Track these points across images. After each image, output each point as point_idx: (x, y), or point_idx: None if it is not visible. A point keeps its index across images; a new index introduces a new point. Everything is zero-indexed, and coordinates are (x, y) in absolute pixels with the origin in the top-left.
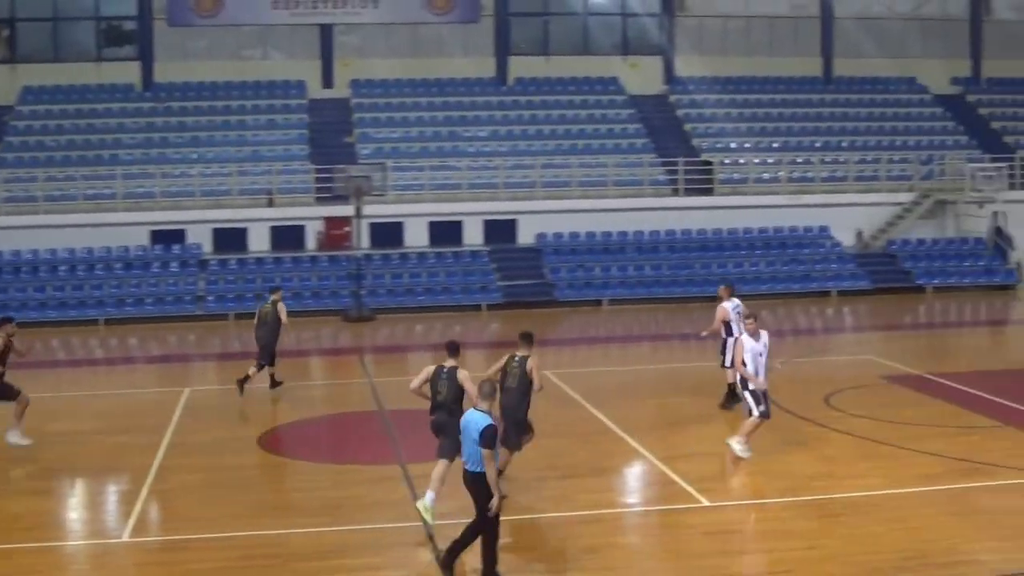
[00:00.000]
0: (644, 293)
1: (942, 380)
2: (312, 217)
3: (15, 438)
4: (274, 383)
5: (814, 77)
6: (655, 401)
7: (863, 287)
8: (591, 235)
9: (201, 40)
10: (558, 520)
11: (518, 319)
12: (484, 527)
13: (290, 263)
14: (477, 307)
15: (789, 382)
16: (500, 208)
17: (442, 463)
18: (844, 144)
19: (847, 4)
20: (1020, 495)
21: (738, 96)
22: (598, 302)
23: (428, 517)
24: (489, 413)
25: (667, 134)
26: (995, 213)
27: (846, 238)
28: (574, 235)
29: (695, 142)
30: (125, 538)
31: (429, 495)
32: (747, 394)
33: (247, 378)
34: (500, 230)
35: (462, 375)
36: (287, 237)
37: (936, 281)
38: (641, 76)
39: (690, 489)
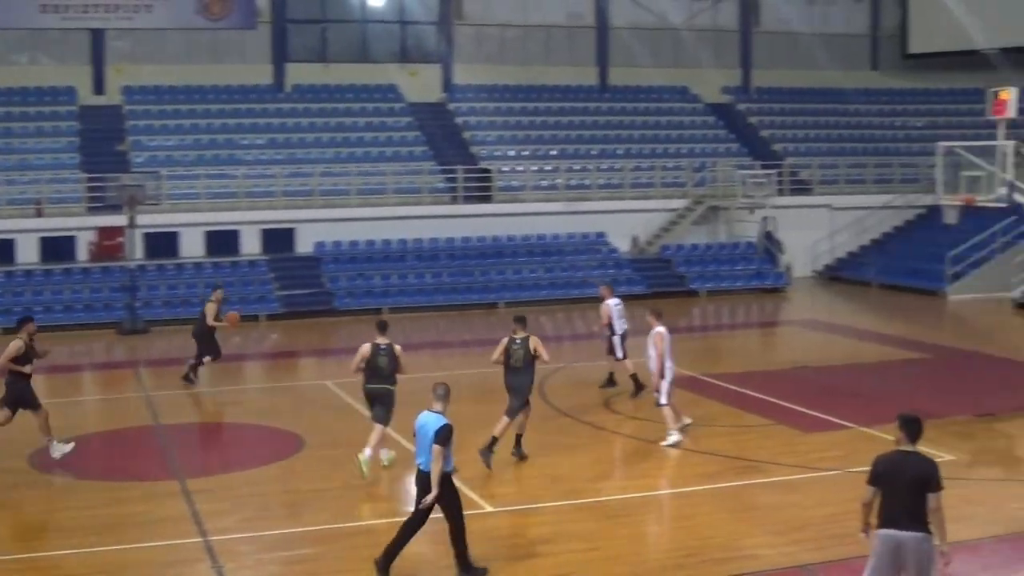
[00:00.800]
0: (424, 301)
1: (716, 381)
2: (83, 227)
3: (58, 451)
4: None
5: (590, 86)
6: None
7: (639, 292)
8: (370, 243)
9: None
10: (337, 532)
11: (297, 329)
12: (417, 522)
13: (60, 275)
14: (255, 317)
15: (568, 385)
16: (278, 217)
17: (377, 428)
18: (620, 152)
19: (622, 14)
20: (791, 491)
21: (515, 104)
22: (378, 310)
23: (365, 470)
24: (443, 414)
25: (446, 142)
26: (765, 218)
27: (622, 244)
28: (353, 243)
29: (473, 150)
30: None
31: (366, 451)
32: (663, 383)
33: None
34: (278, 239)
35: (398, 349)
36: (57, 248)
37: (709, 285)
38: (420, 84)
39: (472, 495)
